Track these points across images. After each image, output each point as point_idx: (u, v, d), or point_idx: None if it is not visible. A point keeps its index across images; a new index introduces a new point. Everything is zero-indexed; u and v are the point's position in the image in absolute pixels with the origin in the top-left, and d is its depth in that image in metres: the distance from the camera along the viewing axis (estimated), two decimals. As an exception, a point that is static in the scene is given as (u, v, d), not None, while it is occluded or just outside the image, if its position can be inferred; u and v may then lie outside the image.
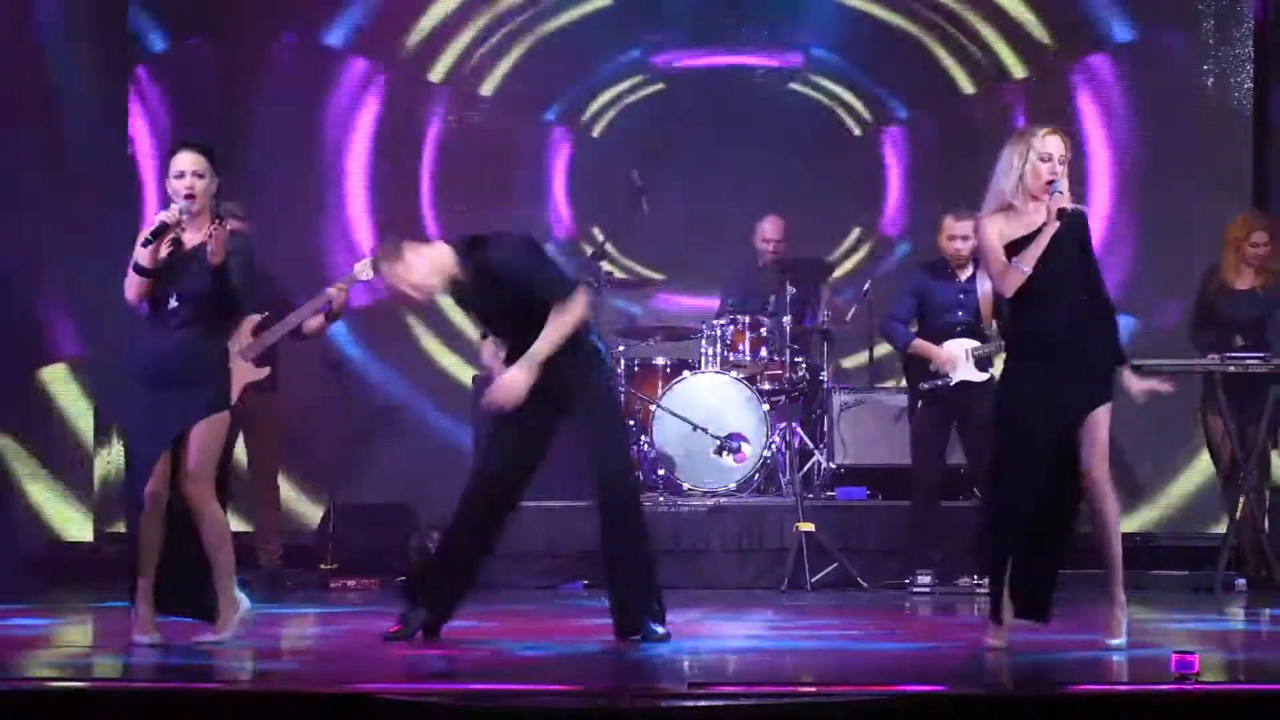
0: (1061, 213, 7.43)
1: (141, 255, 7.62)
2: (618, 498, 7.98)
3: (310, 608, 10.09)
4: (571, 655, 7.67)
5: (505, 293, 7.79)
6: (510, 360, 7.84)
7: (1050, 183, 7.45)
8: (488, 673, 7.03)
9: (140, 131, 12.82)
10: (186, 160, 7.72)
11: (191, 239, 7.70)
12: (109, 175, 12.51)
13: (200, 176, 7.69)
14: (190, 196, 7.67)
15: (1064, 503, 7.56)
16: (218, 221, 7.62)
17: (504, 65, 13.15)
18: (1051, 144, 7.50)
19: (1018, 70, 13.01)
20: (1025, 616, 7.62)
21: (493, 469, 8.05)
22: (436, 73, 13.19)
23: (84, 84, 12.37)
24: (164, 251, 7.66)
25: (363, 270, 10.56)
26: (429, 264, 7.81)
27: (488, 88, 13.16)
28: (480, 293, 7.88)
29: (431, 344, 12.86)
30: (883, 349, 11.84)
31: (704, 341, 11.65)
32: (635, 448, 11.45)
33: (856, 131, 13.17)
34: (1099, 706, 6.02)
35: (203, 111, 12.80)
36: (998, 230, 7.55)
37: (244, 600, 7.86)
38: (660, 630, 7.87)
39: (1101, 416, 7.48)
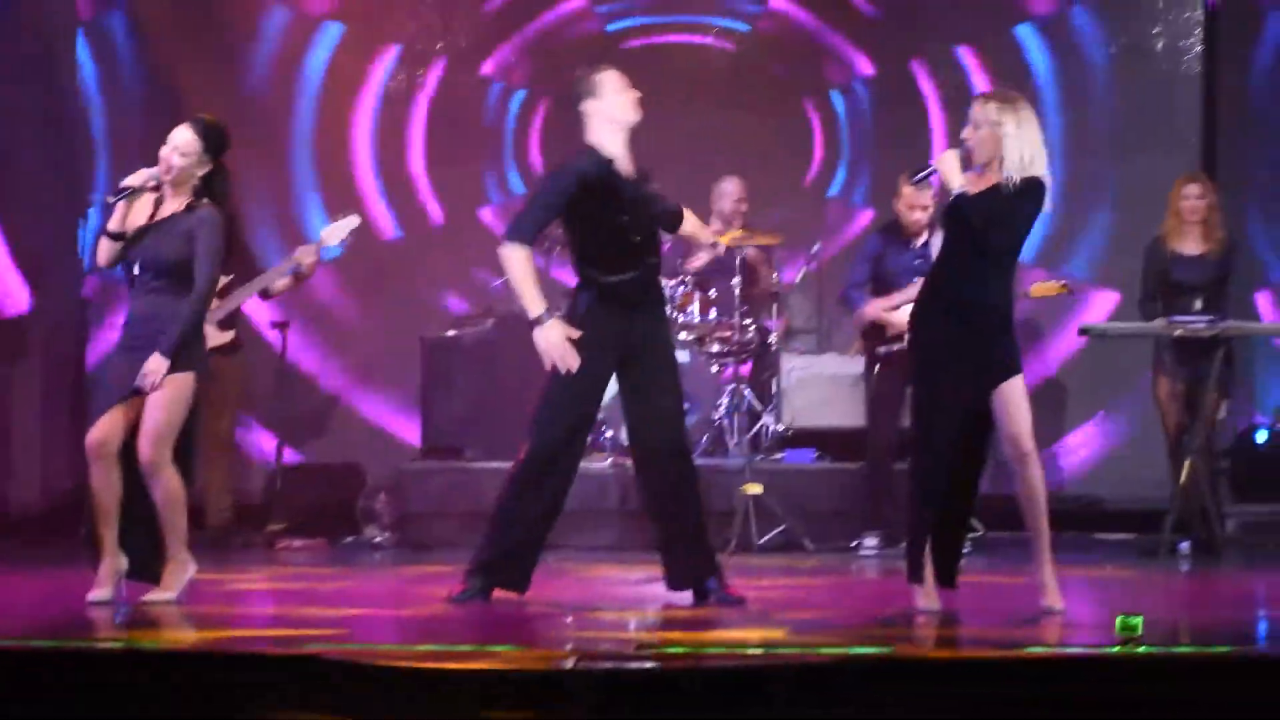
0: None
1: (111, 219, 7.71)
2: (683, 464, 7.99)
3: (257, 567, 10.07)
4: (517, 617, 7.67)
5: None
6: None
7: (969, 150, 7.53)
8: (434, 634, 7.03)
9: (90, 90, 12.69)
10: (175, 134, 7.84)
11: (166, 209, 7.81)
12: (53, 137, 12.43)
13: (182, 153, 7.80)
14: (166, 169, 7.77)
15: (970, 471, 7.61)
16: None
17: (472, 25, 13.09)
18: (971, 113, 7.54)
19: (969, 33, 12.98)
20: (936, 582, 7.63)
21: (558, 431, 7.91)
22: (398, 34, 13.09)
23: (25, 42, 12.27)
24: (136, 216, 7.75)
25: (330, 234, 10.57)
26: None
27: (452, 52, 13.07)
28: None
29: (382, 303, 12.82)
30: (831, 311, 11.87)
31: (653, 303, 11.60)
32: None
33: (808, 93, 13.14)
34: (1044, 669, 6.04)
35: (162, 70, 12.71)
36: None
37: (192, 563, 7.86)
38: (730, 595, 7.91)
39: (1015, 387, 7.47)
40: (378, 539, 11.26)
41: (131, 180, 7.76)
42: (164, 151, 7.79)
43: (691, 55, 13.17)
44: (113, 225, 7.75)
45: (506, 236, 7.88)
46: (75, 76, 12.53)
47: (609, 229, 7.90)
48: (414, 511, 11.30)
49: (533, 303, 7.83)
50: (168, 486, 7.72)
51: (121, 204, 7.78)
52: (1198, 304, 10.83)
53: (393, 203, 13.02)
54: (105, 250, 7.80)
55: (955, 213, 7.47)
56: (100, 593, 7.75)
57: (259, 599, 8.68)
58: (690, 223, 8.33)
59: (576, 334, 7.78)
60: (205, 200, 7.81)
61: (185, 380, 7.72)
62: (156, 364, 7.60)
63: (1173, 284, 10.93)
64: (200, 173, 7.81)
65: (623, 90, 7.99)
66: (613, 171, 7.92)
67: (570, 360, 7.74)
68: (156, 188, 7.83)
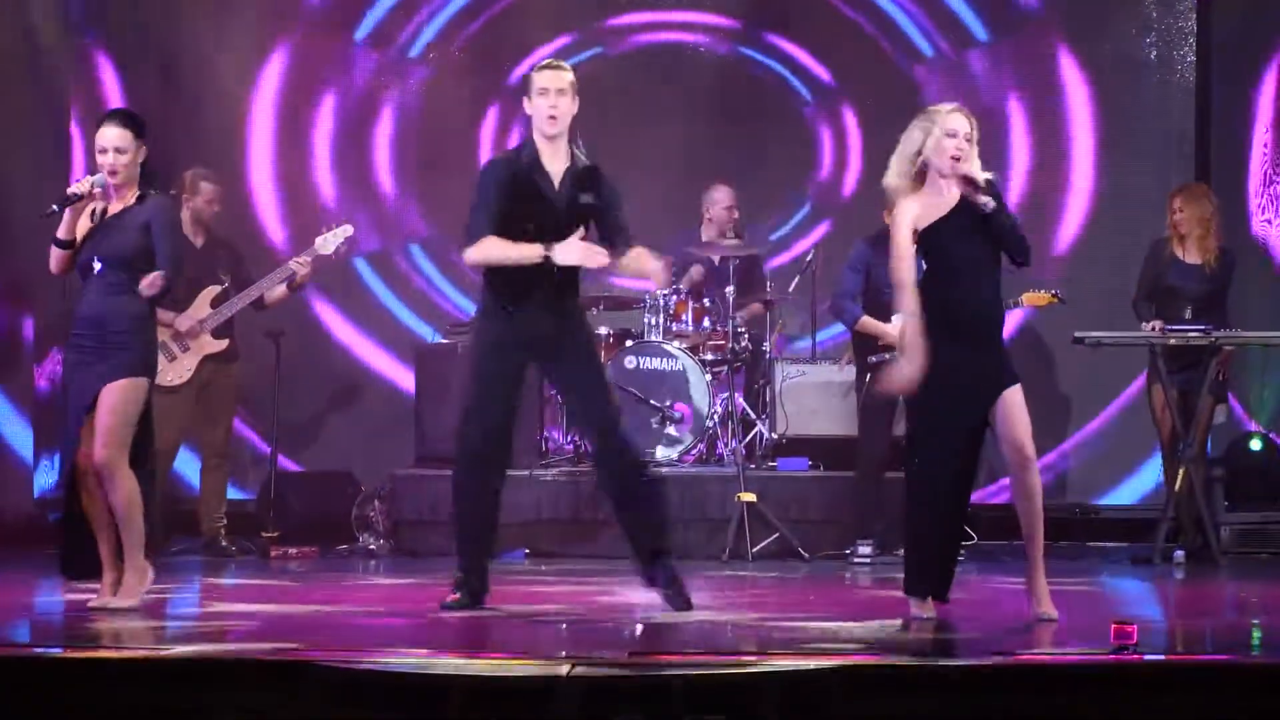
0: (969, 181, 7.43)
1: (59, 228, 7.77)
2: (620, 443, 7.98)
3: (251, 575, 10.05)
4: (510, 624, 7.66)
5: None
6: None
7: (955, 159, 7.43)
8: (425, 642, 7.02)
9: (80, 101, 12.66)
10: (108, 135, 7.83)
11: (115, 207, 7.83)
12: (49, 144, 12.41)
13: (121, 151, 7.80)
14: (113, 172, 7.79)
15: (965, 483, 7.60)
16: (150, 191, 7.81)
17: (448, 30, 13.04)
18: (955, 121, 7.48)
19: (963, 43, 12.97)
20: (931, 595, 7.63)
21: (481, 426, 7.93)
22: (375, 37, 13.05)
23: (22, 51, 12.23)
24: (83, 222, 7.78)
25: (324, 243, 10.60)
26: None
27: (429, 53, 13.04)
28: None
29: (375, 313, 12.81)
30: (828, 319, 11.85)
31: (647, 311, 11.61)
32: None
33: (802, 101, 13.12)
34: (1039, 676, 6.04)
35: (148, 84, 12.69)
36: (912, 216, 7.50)
37: (150, 570, 7.87)
38: (678, 595, 7.89)
39: (1015, 395, 7.45)
40: (372, 547, 11.25)
41: (76, 188, 7.76)
42: (105, 157, 7.77)
43: (685, 57, 13.13)
44: (61, 234, 7.79)
45: (462, 249, 7.88)
46: (64, 94, 12.51)
47: (506, 224, 7.82)
48: (408, 519, 11.28)
49: (528, 253, 7.76)
50: (124, 489, 7.68)
51: (69, 212, 7.78)
52: (1188, 313, 10.85)
53: (383, 211, 12.99)
54: (56, 259, 7.85)
55: (982, 221, 7.41)
56: (101, 600, 7.78)
57: (252, 606, 8.66)
58: (630, 260, 8.03)
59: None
60: (153, 190, 7.84)
61: (137, 384, 7.71)
62: (156, 278, 7.61)
63: (1167, 289, 10.95)
64: (141, 160, 7.82)
65: (542, 94, 7.84)
66: (533, 167, 7.85)
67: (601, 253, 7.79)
68: (104, 192, 7.81)
